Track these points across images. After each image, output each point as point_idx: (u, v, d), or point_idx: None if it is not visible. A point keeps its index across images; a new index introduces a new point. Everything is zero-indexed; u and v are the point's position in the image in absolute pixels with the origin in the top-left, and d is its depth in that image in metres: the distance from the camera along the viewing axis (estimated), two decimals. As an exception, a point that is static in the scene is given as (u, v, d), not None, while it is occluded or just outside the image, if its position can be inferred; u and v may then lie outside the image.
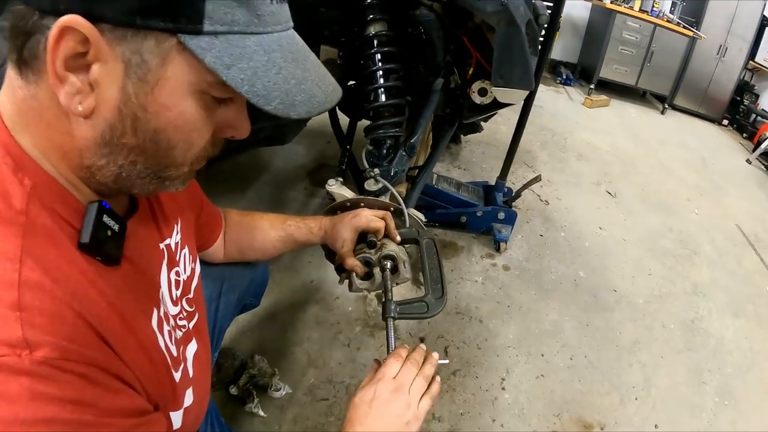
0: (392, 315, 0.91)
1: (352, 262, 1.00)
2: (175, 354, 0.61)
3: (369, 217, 1.02)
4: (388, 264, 1.02)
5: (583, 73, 5.16)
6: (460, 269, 2.06)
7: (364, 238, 1.04)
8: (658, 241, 2.54)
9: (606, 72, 4.69)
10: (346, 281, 1.06)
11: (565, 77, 5.02)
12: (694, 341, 1.98)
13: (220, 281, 1.06)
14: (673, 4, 4.58)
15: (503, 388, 1.60)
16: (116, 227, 0.51)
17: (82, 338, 0.43)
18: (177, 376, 0.61)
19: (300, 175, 2.48)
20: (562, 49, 5.22)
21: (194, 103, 0.47)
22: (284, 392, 1.45)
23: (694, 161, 3.80)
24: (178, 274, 0.71)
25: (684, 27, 4.46)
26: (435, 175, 2.26)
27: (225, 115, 0.51)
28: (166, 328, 0.60)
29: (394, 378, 0.75)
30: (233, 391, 1.42)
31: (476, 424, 1.48)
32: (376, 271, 1.01)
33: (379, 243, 1.03)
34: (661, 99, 4.94)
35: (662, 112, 4.89)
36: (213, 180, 2.31)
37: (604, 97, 4.63)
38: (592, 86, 4.70)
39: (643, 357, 1.83)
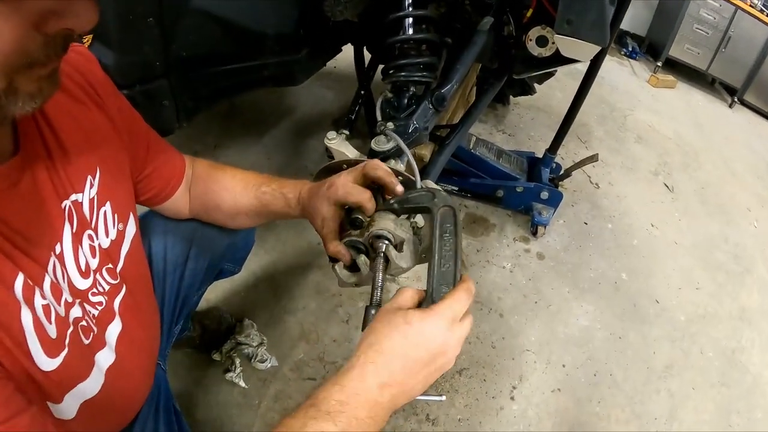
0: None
1: (334, 248, 0.72)
2: (53, 335, 0.50)
3: (347, 186, 0.71)
4: (383, 247, 0.70)
5: (650, 48, 4.71)
6: (487, 250, 1.84)
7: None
8: (713, 251, 2.27)
9: (676, 51, 4.24)
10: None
11: (631, 49, 4.59)
12: (730, 375, 1.76)
13: (188, 244, 0.88)
14: (760, -12, 4.04)
15: (512, 398, 1.43)
16: None
17: None
18: (52, 363, 0.50)
19: (324, 123, 2.26)
20: (632, 18, 4.71)
21: None
22: (270, 365, 1.31)
23: (759, 166, 3.43)
24: (92, 238, 0.59)
25: (768, 15, 3.92)
26: (473, 138, 1.99)
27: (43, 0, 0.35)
28: (40, 301, 0.48)
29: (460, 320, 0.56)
30: (216, 356, 1.30)
31: (473, 435, 1.33)
32: (361, 259, 0.72)
33: (366, 220, 0.72)
34: (731, 91, 4.46)
35: (730, 106, 4.43)
36: (229, 119, 2.14)
37: (671, 77, 4.20)
38: (659, 63, 4.28)
39: (674, 385, 1.63)
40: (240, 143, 2.04)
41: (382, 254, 0.70)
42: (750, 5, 3.99)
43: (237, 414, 1.23)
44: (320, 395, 0.49)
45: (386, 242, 0.70)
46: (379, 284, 0.67)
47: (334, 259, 0.76)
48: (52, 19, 0.37)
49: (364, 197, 0.70)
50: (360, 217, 0.71)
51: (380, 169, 0.71)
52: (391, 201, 0.72)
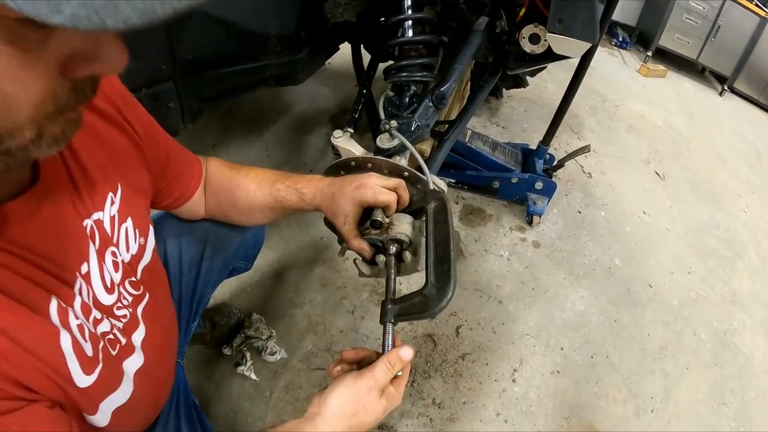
0: (389, 320, 0.68)
1: (358, 245, 0.79)
2: (90, 353, 0.51)
3: (376, 189, 0.77)
4: (393, 249, 0.78)
5: (640, 38, 4.75)
6: (485, 240, 1.88)
7: (371, 211, 0.81)
8: (704, 237, 2.32)
9: (666, 40, 4.29)
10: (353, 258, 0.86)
11: (621, 39, 4.63)
12: (723, 356, 1.81)
13: (202, 244, 0.91)
14: (748, -23, 4.06)
15: (513, 380, 1.48)
16: None
17: None
18: (89, 379, 0.51)
19: (322, 120, 2.28)
20: (622, 8, 4.74)
21: None
22: (279, 357, 1.34)
23: (748, 153, 3.49)
24: (115, 254, 0.59)
25: (756, 5, 3.99)
26: (469, 132, 2.03)
27: (68, 45, 0.33)
28: (74, 321, 0.50)
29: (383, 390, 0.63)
30: (226, 351, 1.32)
31: (478, 416, 1.37)
32: (380, 259, 0.79)
33: (386, 222, 0.79)
34: (721, 79, 4.51)
35: (720, 94, 4.48)
36: (227, 117, 2.15)
37: (661, 67, 4.24)
38: (649, 53, 4.32)
39: (668, 366, 1.68)
40: (239, 141, 2.06)
41: (392, 253, 0.77)
42: (739, -6, 4.01)
43: (249, 406, 1.26)
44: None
45: (403, 245, 0.78)
46: (391, 281, 0.74)
47: (343, 249, 0.83)
48: (79, 65, 0.34)
49: (391, 198, 0.78)
50: (379, 219, 0.78)
51: (407, 191, 0.82)
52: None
